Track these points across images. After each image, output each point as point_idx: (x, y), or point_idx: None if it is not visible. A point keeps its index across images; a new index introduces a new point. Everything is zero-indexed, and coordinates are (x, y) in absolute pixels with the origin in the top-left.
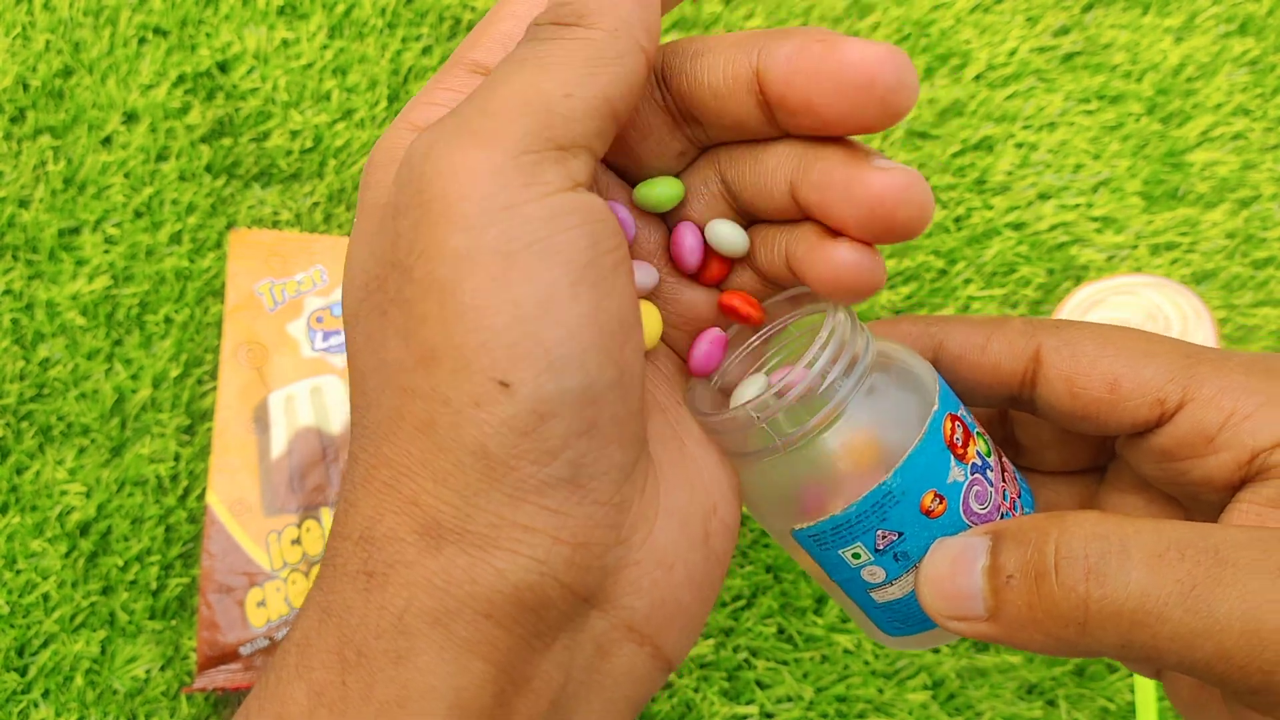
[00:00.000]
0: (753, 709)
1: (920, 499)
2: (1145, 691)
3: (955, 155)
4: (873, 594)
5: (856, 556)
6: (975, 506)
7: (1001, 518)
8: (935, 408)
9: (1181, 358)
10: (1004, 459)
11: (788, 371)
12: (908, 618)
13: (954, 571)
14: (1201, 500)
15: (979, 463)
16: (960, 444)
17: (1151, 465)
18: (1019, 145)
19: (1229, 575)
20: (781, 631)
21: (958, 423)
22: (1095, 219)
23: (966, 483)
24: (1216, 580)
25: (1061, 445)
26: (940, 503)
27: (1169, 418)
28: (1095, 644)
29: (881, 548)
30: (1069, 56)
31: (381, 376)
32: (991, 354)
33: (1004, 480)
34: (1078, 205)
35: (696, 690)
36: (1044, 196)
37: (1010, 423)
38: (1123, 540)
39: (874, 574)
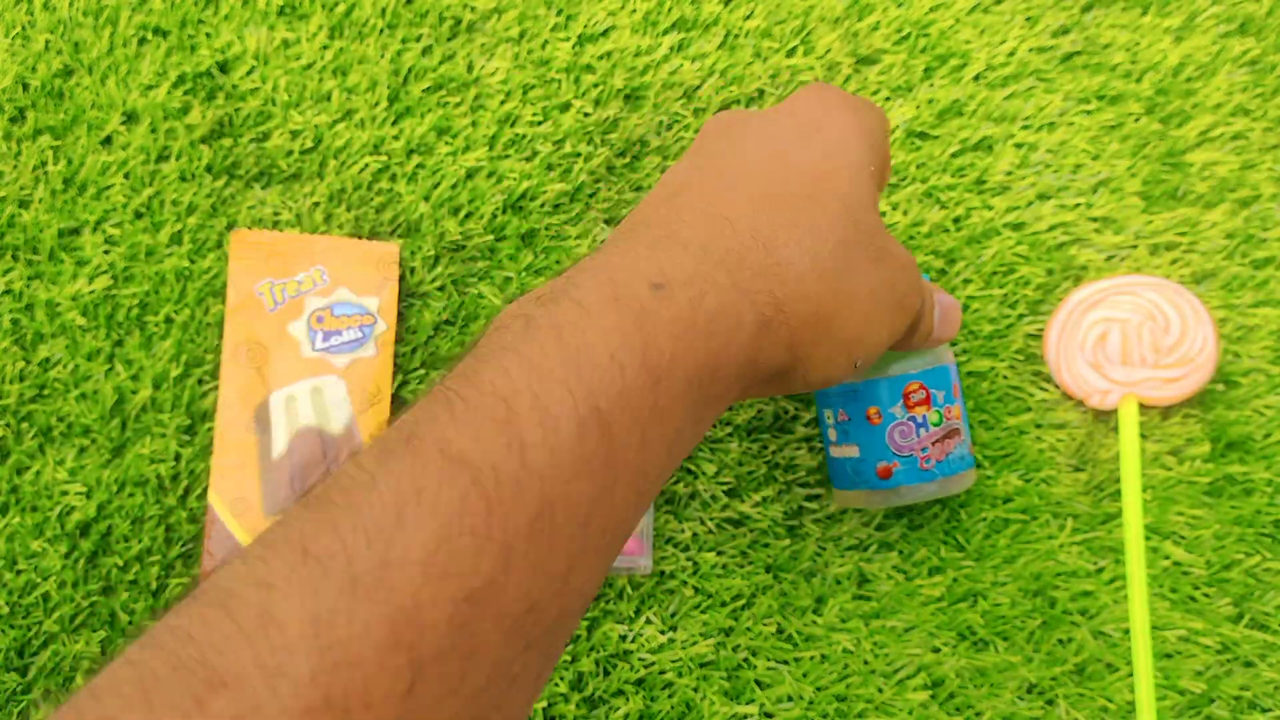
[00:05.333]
0: (752, 708)
1: (868, 408)
2: (1145, 691)
3: (954, 155)
4: (830, 448)
5: (827, 419)
6: (897, 438)
7: (911, 457)
8: (912, 373)
9: None
10: (956, 438)
11: None
12: (839, 475)
13: None
14: None
15: (918, 419)
16: (914, 402)
17: None
18: (1018, 145)
19: None
20: (781, 631)
21: (922, 389)
22: (1095, 219)
23: (898, 420)
24: None
25: None
26: (878, 419)
27: None
28: None
29: (838, 421)
30: (1068, 56)
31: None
32: None
33: (932, 445)
34: (1077, 205)
35: (696, 690)
36: (1043, 197)
37: None
38: None
39: (831, 433)
